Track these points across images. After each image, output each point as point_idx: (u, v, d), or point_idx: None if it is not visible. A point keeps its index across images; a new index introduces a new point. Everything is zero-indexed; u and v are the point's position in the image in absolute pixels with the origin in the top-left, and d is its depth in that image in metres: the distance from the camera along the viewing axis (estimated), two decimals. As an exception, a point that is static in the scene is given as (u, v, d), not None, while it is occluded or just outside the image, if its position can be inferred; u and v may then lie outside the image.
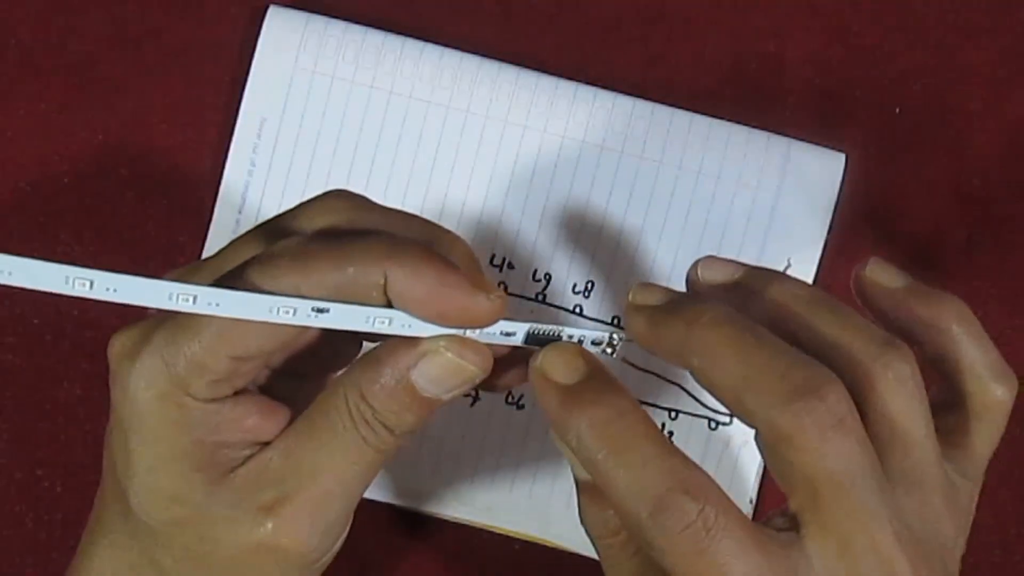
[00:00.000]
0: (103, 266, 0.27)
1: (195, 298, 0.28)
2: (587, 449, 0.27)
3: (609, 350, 0.31)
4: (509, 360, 0.31)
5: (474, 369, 0.30)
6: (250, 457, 0.30)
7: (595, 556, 0.42)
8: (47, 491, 0.42)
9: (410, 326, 0.29)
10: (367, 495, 0.33)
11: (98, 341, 0.42)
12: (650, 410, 0.42)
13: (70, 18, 0.43)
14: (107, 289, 0.27)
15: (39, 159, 0.43)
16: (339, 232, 0.30)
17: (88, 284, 0.27)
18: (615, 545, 0.31)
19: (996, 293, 0.43)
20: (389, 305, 0.29)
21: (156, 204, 0.43)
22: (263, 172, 0.42)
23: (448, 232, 0.31)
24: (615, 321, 0.42)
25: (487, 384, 0.31)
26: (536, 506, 0.42)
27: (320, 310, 0.28)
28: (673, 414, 0.42)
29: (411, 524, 0.42)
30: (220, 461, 0.30)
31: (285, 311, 0.28)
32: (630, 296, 0.30)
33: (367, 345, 0.34)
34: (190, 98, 0.43)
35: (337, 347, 0.33)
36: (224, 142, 0.42)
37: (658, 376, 0.42)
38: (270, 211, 0.42)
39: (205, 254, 0.42)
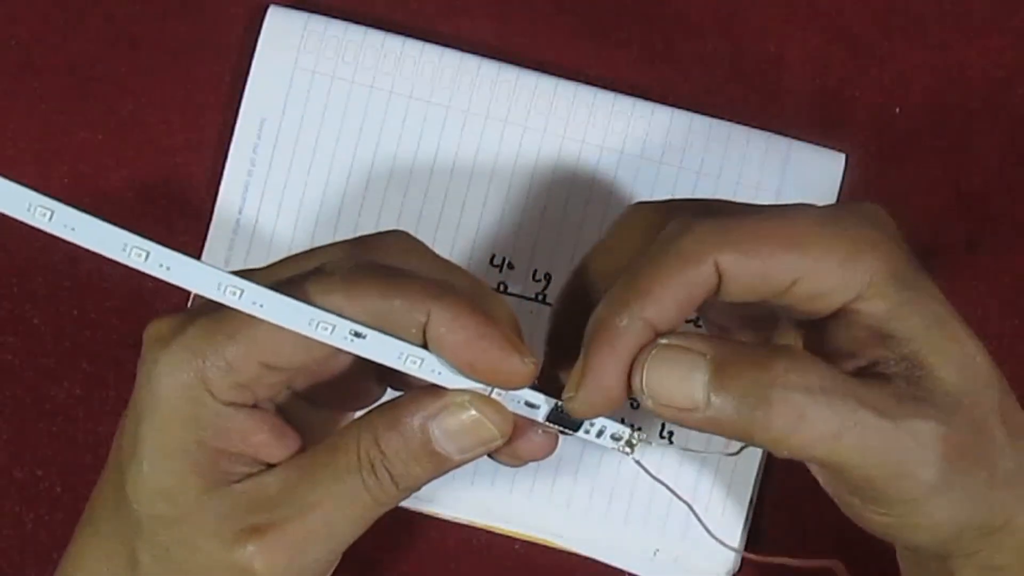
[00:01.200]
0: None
1: (241, 293, 0.28)
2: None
3: (628, 449, 0.31)
4: (527, 432, 0.31)
5: (493, 431, 0.30)
6: (249, 476, 0.30)
7: (594, 556, 0.42)
8: (47, 491, 0.42)
9: (440, 373, 0.29)
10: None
11: (98, 341, 0.43)
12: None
13: (70, 18, 0.43)
14: (160, 265, 0.27)
15: (39, 159, 0.43)
16: (394, 268, 0.30)
17: (144, 255, 0.27)
18: None
19: (996, 293, 0.43)
20: (425, 347, 0.29)
21: (156, 204, 0.43)
22: (263, 172, 0.42)
23: (496, 294, 0.32)
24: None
25: (502, 453, 0.31)
26: (536, 506, 0.42)
27: (357, 334, 0.28)
28: (673, 414, 0.42)
29: (411, 524, 0.42)
30: (219, 470, 0.30)
31: (324, 327, 0.28)
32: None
33: (391, 392, 0.34)
34: (190, 98, 0.43)
35: (364, 385, 0.33)
36: (224, 142, 0.42)
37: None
38: (270, 211, 0.42)
39: (205, 254, 0.42)
